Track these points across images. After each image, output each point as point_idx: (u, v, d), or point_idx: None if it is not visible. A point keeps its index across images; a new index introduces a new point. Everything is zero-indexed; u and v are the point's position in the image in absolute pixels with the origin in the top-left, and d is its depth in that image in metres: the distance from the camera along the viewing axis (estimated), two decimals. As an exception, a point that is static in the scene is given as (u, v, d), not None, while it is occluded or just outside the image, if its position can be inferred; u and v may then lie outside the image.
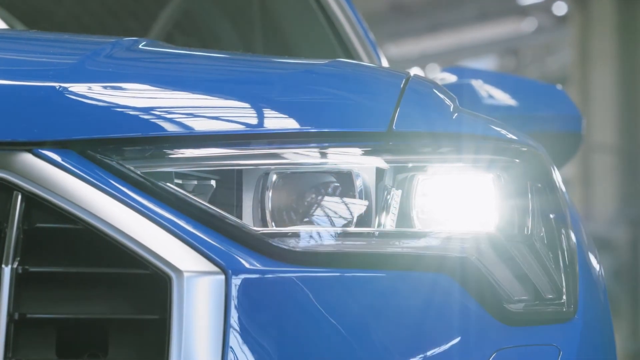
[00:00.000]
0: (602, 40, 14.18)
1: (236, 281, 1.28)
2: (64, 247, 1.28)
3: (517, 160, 1.43)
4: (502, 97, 2.46)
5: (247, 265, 1.29)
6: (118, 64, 1.49)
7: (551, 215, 1.45)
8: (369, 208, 1.39)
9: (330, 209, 1.39)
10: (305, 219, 1.38)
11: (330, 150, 1.38)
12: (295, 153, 1.37)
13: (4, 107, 1.31)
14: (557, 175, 1.51)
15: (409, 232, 1.38)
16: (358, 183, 1.39)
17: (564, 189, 1.54)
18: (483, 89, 2.43)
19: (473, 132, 1.43)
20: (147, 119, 1.36)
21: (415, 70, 2.06)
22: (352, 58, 2.52)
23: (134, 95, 1.39)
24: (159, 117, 1.36)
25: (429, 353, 1.32)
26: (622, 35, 14.07)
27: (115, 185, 1.30)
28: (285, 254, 1.31)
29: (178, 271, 1.26)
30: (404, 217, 1.40)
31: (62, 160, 1.30)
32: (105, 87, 1.38)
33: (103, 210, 1.27)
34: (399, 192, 1.41)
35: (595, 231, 12.28)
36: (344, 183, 1.39)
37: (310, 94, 1.45)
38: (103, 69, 1.45)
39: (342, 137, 1.38)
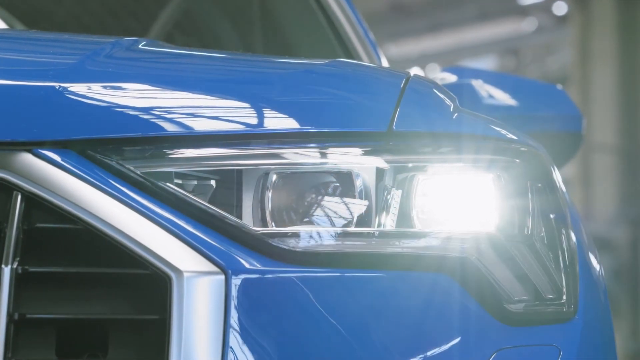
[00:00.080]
0: (603, 40, 14.19)
1: (236, 281, 1.27)
2: (64, 247, 1.28)
3: (517, 160, 1.43)
4: (502, 97, 2.46)
5: (247, 265, 1.29)
6: (118, 64, 1.49)
7: (551, 215, 1.45)
8: (369, 208, 1.39)
9: (330, 209, 1.39)
10: (305, 219, 1.38)
11: (330, 150, 1.37)
12: (295, 153, 1.37)
13: (4, 107, 1.31)
14: (557, 175, 1.51)
15: (409, 232, 1.38)
16: (358, 183, 1.39)
17: (564, 189, 1.54)
18: (483, 89, 2.43)
19: (473, 132, 1.43)
20: (147, 119, 1.36)
21: (415, 70, 2.06)
22: (352, 58, 2.52)
23: (134, 95, 1.39)
24: (159, 117, 1.36)
25: (429, 353, 1.32)
26: (622, 35, 14.08)
27: (115, 185, 1.30)
28: (285, 254, 1.31)
29: (178, 271, 1.26)
30: (404, 217, 1.40)
31: (62, 160, 1.30)
32: (105, 87, 1.38)
33: (103, 210, 1.27)
34: (399, 192, 1.40)
35: (595, 231, 12.28)
36: (344, 183, 1.39)
37: (310, 94, 1.45)
38: (103, 68, 1.45)
39: (342, 137, 1.38)
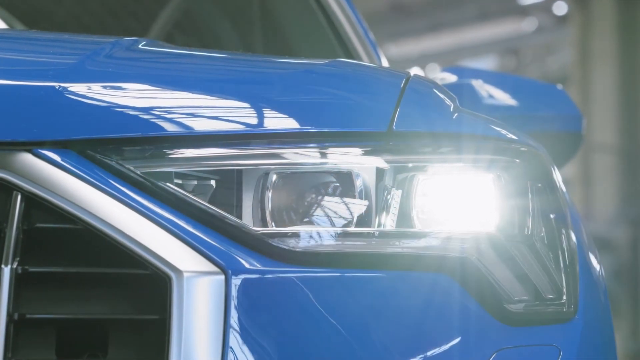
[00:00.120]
0: (603, 40, 14.19)
1: (236, 281, 1.27)
2: (64, 247, 1.28)
3: (518, 160, 1.43)
4: (503, 97, 2.46)
5: (247, 265, 1.29)
6: (118, 64, 1.49)
7: (551, 215, 1.45)
8: (369, 208, 1.39)
9: (330, 209, 1.39)
10: (305, 219, 1.38)
11: (330, 150, 1.37)
12: (295, 153, 1.37)
13: (4, 107, 1.31)
14: (557, 175, 1.51)
15: (409, 232, 1.38)
16: (358, 183, 1.39)
17: (564, 189, 1.54)
18: (483, 88, 2.43)
19: (473, 132, 1.43)
20: (147, 119, 1.36)
21: (415, 70, 2.06)
22: (352, 58, 2.52)
23: (134, 95, 1.39)
24: (159, 117, 1.36)
25: (429, 353, 1.32)
26: (622, 35, 14.08)
27: (114, 185, 1.30)
28: (285, 254, 1.31)
29: (178, 271, 1.26)
30: (404, 217, 1.40)
31: (62, 160, 1.30)
32: (105, 87, 1.38)
33: (103, 210, 1.27)
34: (399, 192, 1.40)
35: (595, 231, 12.28)
36: (344, 183, 1.39)
37: (310, 94, 1.45)
38: (103, 68, 1.45)
39: (342, 137, 1.38)
